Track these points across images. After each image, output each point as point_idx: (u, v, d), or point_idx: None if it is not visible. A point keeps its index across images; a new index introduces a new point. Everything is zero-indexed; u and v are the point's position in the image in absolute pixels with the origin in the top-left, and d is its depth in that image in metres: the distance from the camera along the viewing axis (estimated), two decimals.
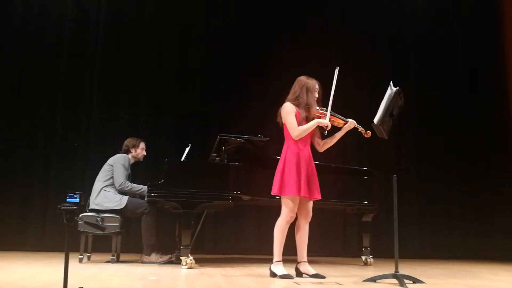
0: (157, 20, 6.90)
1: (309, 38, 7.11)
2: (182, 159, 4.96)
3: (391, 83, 3.54)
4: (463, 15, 7.43)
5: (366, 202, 5.06)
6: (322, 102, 3.77)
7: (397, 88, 3.50)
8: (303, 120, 3.68)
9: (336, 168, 5.17)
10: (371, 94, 6.55)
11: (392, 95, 3.48)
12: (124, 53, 6.76)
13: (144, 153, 5.11)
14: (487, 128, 7.11)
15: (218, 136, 4.58)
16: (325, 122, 3.62)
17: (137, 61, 6.78)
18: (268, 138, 4.50)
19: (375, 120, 3.46)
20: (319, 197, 3.70)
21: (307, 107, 3.68)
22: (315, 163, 4.79)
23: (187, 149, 5.05)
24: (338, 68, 3.69)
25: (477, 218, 6.96)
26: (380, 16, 7.37)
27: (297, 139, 3.65)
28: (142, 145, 5.08)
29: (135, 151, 5.03)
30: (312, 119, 3.69)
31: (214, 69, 6.90)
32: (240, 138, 4.59)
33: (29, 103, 6.50)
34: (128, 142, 5.05)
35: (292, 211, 3.63)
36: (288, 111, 3.66)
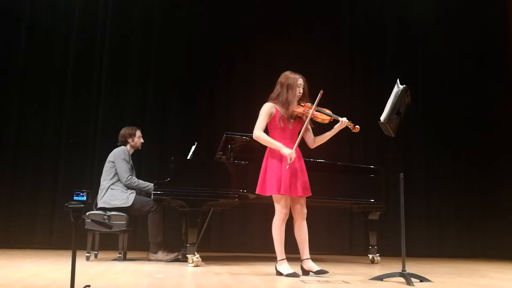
0: (164, 17, 6.91)
1: (316, 36, 7.09)
2: (188, 157, 4.97)
3: (397, 81, 3.52)
4: (471, 14, 7.37)
5: (372, 200, 5.05)
6: (310, 99, 3.73)
7: (404, 86, 3.48)
8: (281, 118, 3.64)
9: (343, 167, 5.16)
10: (378, 93, 6.53)
11: (399, 93, 3.46)
12: (131, 51, 6.77)
13: (142, 140, 5.04)
14: (496, 127, 7.05)
15: (224, 135, 4.58)
16: (289, 154, 3.53)
17: (145, 59, 6.80)
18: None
19: (382, 118, 3.44)
20: (305, 194, 3.65)
21: (286, 105, 3.64)
22: (322, 162, 4.82)
23: (193, 147, 5.05)
24: (322, 92, 3.62)
25: (485, 216, 6.92)
26: (387, 15, 7.34)
27: (254, 138, 3.65)
28: (138, 133, 5.02)
29: (133, 140, 4.97)
30: (292, 116, 3.66)
31: (220, 67, 6.90)
32: (246, 136, 4.58)
33: (37, 102, 6.54)
34: (124, 132, 4.98)
35: (285, 208, 3.61)
36: (263, 112, 3.64)
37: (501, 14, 7.30)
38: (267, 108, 3.66)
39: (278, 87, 3.71)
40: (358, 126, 3.63)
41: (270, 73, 6.62)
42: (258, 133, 3.64)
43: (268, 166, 3.62)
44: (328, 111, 3.67)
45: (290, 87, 3.66)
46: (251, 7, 7.01)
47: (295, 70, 3.80)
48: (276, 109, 3.66)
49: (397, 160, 6.91)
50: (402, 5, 7.41)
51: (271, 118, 3.66)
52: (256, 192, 3.67)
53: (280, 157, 3.60)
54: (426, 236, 6.80)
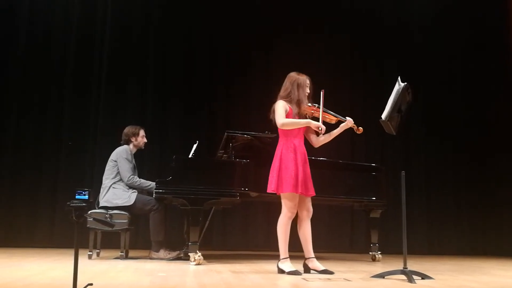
0: (164, 17, 6.90)
1: (313, 33, 7.08)
2: (190, 156, 4.97)
3: (398, 78, 3.52)
4: (469, 9, 7.35)
5: (374, 198, 5.05)
6: (314, 100, 3.77)
7: (405, 83, 3.48)
8: (295, 116, 3.71)
9: (344, 164, 5.16)
10: (378, 91, 6.52)
11: (400, 90, 3.46)
12: (130, 51, 6.77)
13: (145, 140, 5.05)
14: (496, 125, 7.04)
15: (226, 133, 4.58)
16: (317, 124, 3.61)
17: (144, 59, 6.79)
18: (276, 135, 4.49)
19: (383, 116, 3.44)
20: (313, 193, 3.70)
21: (298, 103, 3.68)
22: (324, 160, 4.83)
23: (195, 146, 5.05)
24: (323, 91, 3.69)
25: (486, 214, 6.92)
26: (385, 11, 7.33)
27: (280, 127, 3.65)
28: (142, 132, 5.03)
29: (136, 140, 4.98)
30: (304, 115, 3.73)
31: (220, 66, 6.90)
32: (247, 134, 4.59)
33: (38, 102, 6.54)
34: (127, 131, 4.98)
35: (293, 208, 3.64)
36: (280, 107, 3.66)
37: (500, 9, 7.27)
38: (282, 104, 3.68)
39: (287, 85, 3.74)
40: (361, 128, 3.70)
41: (269, 72, 6.70)
42: (282, 120, 3.63)
43: (283, 164, 3.62)
44: (333, 112, 3.74)
45: (300, 86, 3.71)
46: (250, 7, 6.99)
47: (296, 70, 3.82)
48: (289, 107, 3.68)
49: (398, 158, 6.91)
50: (401, 3, 7.39)
51: (286, 114, 3.68)
52: (269, 191, 3.65)
53: (295, 155, 3.63)
54: (427, 234, 6.80)
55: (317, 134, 3.78)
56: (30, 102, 6.53)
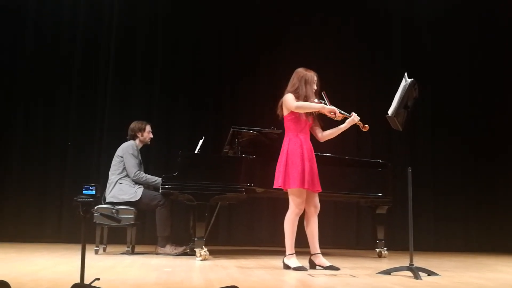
0: (171, 13, 6.90)
1: (320, 30, 7.05)
2: (196, 151, 4.98)
3: (405, 74, 3.51)
4: (477, 7, 7.28)
5: (380, 194, 5.03)
6: (320, 97, 3.77)
7: (412, 79, 3.47)
8: (302, 113, 3.68)
9: (351, 161, 5.14)
10: (384, 87, 6.49)
11: (407, 86, 3.44)
12: (137, 47, 6.78)
13: (151, 135, 5.07)
14: (504, 121, 6.98)
15: (232, 129, 4.59)
16: (330, 108, 3.62)
17: (151, 55, 6.79)
18: (281, 130, 4.49)
19: (390, 111, 3.43)
20: (320, 189, 3.70)
21: (306, 99, 3.68)
22: (330, 156, 4.82)
23: (201, 141, 5.06)
24: (324, 92, 3.71)
25: (493, 210, 6.88)
26: (392, 8, 7.28)
27: (295, 110, 3.63)
28: (148, 128, 5.04)
29: (142, 135, 5.00)
30: (310, 112, 3.71)
31: (226, 62, 6.88)
32: (253, 130, 4.59)
33: (45, 97, 6.57)
34: (134, 126, 5.00)
35: (301, 204, 3.63)
36: (291, 98, 3.66)
37: (502, 10, 7.19)
38: (293, 97, 3.67)
39: (295, 81, 3.74)
40: (367, 126, 3.70)
41: (275, 68, 6.67)
42: (296, 103, 3.61)
43: (290, 159, 3.62)
44: (338, 109, 3.75)
45: (308, 82, 3.71)
46: (255, 5, 6.97)
47: (302, 66, 3.81)
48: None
49: (404, 154, 6.87)
50: (409, 1, 7.33)
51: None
52: (276, 186, 3.66)
53: (301, 151, 3.63)
54: (433, 230, 6.77)
55: (323, 129, 3.78)
56: (38, 98, 6.55)
